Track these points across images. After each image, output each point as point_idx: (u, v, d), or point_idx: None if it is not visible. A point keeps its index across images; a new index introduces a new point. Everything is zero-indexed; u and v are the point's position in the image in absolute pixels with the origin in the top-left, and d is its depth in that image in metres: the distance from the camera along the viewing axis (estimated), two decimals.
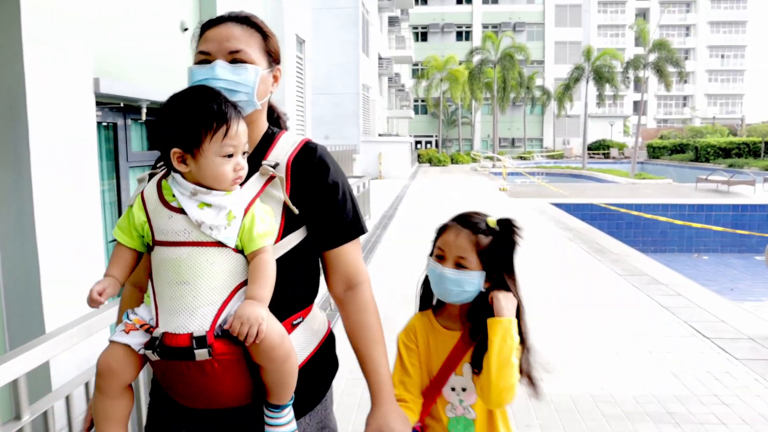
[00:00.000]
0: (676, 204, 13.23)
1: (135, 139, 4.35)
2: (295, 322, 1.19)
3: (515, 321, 1.35)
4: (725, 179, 16.80)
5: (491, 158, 31.90)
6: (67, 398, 1.68)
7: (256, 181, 1.13)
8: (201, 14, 5.49)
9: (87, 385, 1.78)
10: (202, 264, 1.04)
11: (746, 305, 5.64)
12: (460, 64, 38.37)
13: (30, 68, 2.79)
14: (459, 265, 1.37)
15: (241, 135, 1.08)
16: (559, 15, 48.29)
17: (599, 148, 43.56)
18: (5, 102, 2.79)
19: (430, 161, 33.05)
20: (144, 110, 4.09)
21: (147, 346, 1.03)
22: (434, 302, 1.49)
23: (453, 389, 1.42)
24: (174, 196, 1.08)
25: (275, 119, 1.31)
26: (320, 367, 1.24)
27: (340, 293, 1.25)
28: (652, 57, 28.30)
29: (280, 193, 1.14)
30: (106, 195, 3.96)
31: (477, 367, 1.36)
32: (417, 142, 42.59)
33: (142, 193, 1.12)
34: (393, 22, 32.98)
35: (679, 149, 35.18)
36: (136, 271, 1.18)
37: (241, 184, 1.11)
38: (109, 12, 3.89)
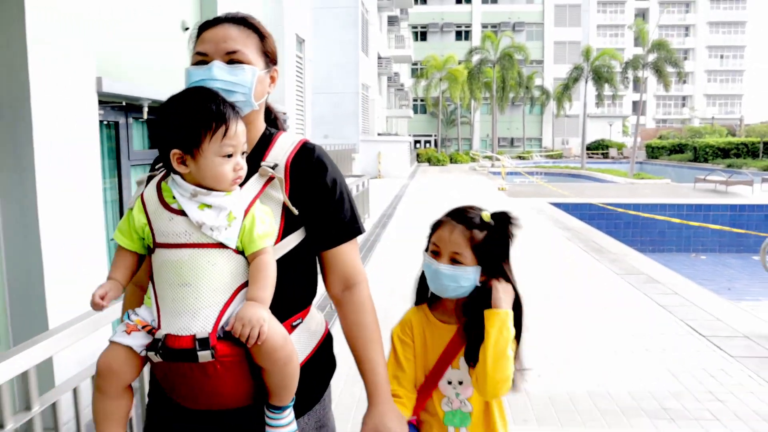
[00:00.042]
0: (674, 204, 13.28)
1: (136, 137, 4.38)
2: (294, 324, 1.20)
3: (512, 313, 1.35)
4: (723, 179, 16.86)
5: (490, 158, 31.94)
6: (75, 390, 1.71)
7: (256, 182, 1.14)
8: (202, 14, 5.53)
9: (93, 378, 1.81)
10: (204, 265, 1.04)
11: (743, 304, 5.68)
12: (459, 63, 38.41)
13: (33, 67, 2.82)
14: (454, 261, 1.37)
15: (240, 135, 1.08)
16: (559, 15, 48.33)
17: (598, 148, 43.61)
18: (9, 101, 2.82)
19: (429, 161, 33.08)
20: (146, 109, 4.12)
21: (149, 347, 1.04)
22: (429, 296, 1.49)
23: (449, 383, 1.42)
24: (174, 197, 1.08)
25: (272, 120, 1.31)
26: (319, 368, 1.26)
27: (337, 293, 1.26)
28: (651, 57, 28.35)
29: (279, 194, 1.15)
30: (107, 193, 3.99)
31: (472, 360, 1.36)
32: (416, 142, 42.61)
33: (141, 195, 1.12)
34: (392, 21, 33.00)
35: (677, 149, 35.24)
36: (138, 271, 1.19)
37: (241, 185, 1.11)
38: (111, 12, 3.92)
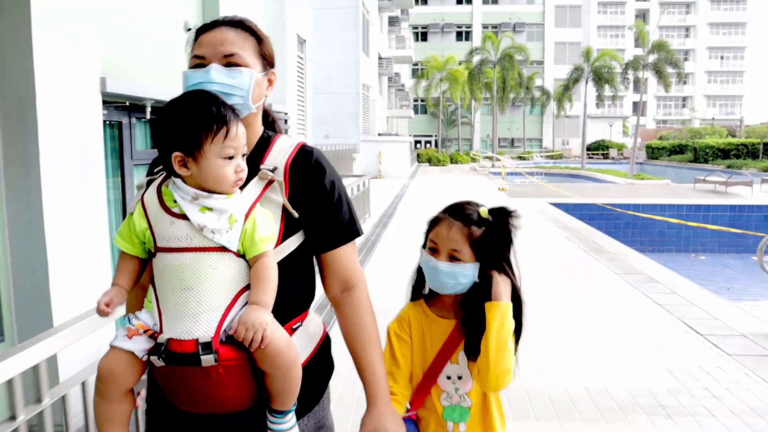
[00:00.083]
0: (674, 204, 13.31)
1: (139, 137, 4.43)
2: (294, 327, 1.20)
3: (511, 305, 1.35)
4: (723, 180, 16.89)
5: (490, 158, 31.97)
6: (83, 384, 1.75)
7: (256, 186, 1.14)
8: (204, 15, 5.56)
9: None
10: (205, 269, 1.05)
11: (742, 304, 5.71)
12: (459, 64, 38.44)
13: (39, 68, 2.86)
14: (453, 258, 1.36)
15: (240, 137, 1.09)
16: (559, 15, 48.36)
17: (598, 149, 43.64)
18: (15, 101, 2.86)
19: (429, 161, 33.11)
20: (149, 109, 4.16)
21: (152, 351, 1.04)
22: (427, 291, 1.48)
23: (448, 377, 1.42)
24: (175, 201, 1.08)
25: (270, 123, 1.31)
26: (317, 370, 1.26)
27: (336, 295, 1.27)
28: (651, 58, 28.37)
29: (279, 197, 1.15)
30: (111, 192, 4.03)
31: (472, 354, 1.36)
32: (416, 142, 42.64)
33: (142, 199, 1.12)
34: (393, 22, 33.04)
35: (678, 150, 35.26)
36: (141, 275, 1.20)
37: (241, 189, 1.12)
38: (115, 13, 3.96)
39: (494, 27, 47.73)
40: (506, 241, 1.40)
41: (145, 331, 1.05)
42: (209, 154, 1.05)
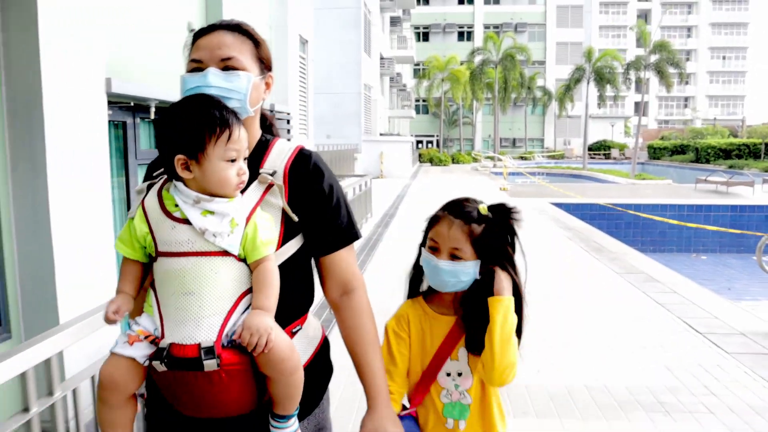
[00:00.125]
0: (675, 204, 13.33)
1: (144, 137, 4.47)
2: (294, 330, 1.20)
3: (513, 299, 1.35)
4: (724, 180, 16.89)
5: (492, 158, 31.99)
6: (93, 378, 1.78)
7: (256, 190, 1.14)
8: (207, 16, 5.61)
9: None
10: (207, 274, 1.05)
11: (742, 304, 5.73)
12: (461, 64, 38.46)
13: (45, 69, 2.90)
14: (454, 256, 1.36)
15: (243, 140, 1.09)
16: (561, 16, 48.35)
17: (600, 149, 43.63)
18: (22, 102, 2.90)
19: (431, 161, 33.15)
20: (153, 109, 4.20)
21: (154, 356, 1.04)
22: (422, 288, 1.48)
23: (448, 374, 1.41)
24: (176, 206, 1.08)
25: (267, 126, 1.31)
26: (317, 373, 1.27)
27: (335, 298, 1.27)
28: (652, 58, 28.38)
29: (279, 201, 1.15)
30: (115, 192, 4.07)
31: (474, 349, 1.37)
32: (418, 142, 42.68)
33: (142, 204, 1.12)
34: (395, 22, 33.07)
35: (679, 150, 35.24)
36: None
37: (241, 192, 1.12)
38: (120, 14, 4.00)
39: (496, 27, 47.75)
40: (506, 238, 1.40)
41: (146, 337, 1.05)
42: (212, 157, 1.06)
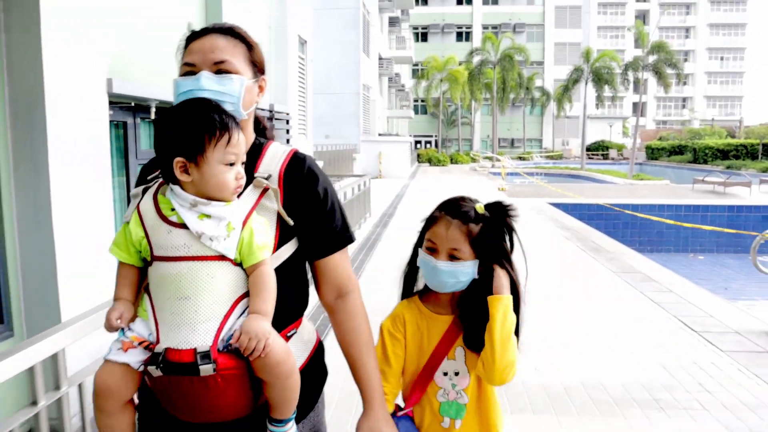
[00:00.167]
0: (673, 204, 13.39)
1: (144, 137, 4.50)
2: (289, 334, 1.21)
3: (512, 298, 1.35)
4: (721, 180, 16.96)
5: (490, 158, 32.05)
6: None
7: (251, 194, 1.14)
8: (207, 16, 5.63)
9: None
10: (203, 278, 1.04)
11: (739, 304, 5.77)
12: (460, 64, 38.54)
13: (48, 69, 2.92)
14: (452, 257, 1.35)
15: (241, 144, 1.10)
16: (559, 16, 48.45)
17: (598, 149, 43.72)
18: (25, 101, 2.93)
19: (429, 161, 33.19)
20: (153, 109, 4.23)
21: (149, 361, 1.03)
22: (416, 289, 1.48)
23: (445, 374, 1.41)
24: (173, 210, 1.08)
25: (261, 130, 1.31)
26: (312, 376, 1.27)
27: (330, 301, 1.28)
28: (650, 59, 28.46)
29: (274, 205, 1.16)
30: (116, 191, 4.10)
31: (474, 347, 1.36)
32: (417, 142, 42.73)
33: (138, 208, 1.11)
34: (393, 22, 33.12)
35: (677, 151, 35.32)
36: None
37: (238, 196, 1.12)
38: (121, 15, 4.03)
39: (494, 27, 47.81)
40: (503, 236, 1.40)
41: (140, 343, 1.05)
42: (212, 160, 1.06)
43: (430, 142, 47.97)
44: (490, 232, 1.37)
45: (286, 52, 7.96)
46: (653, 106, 60.26)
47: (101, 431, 1.11)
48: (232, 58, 1.17)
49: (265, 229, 1.12)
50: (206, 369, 1.00)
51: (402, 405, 1.46)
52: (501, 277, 1.34)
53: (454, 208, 1.39)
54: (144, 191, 1.14)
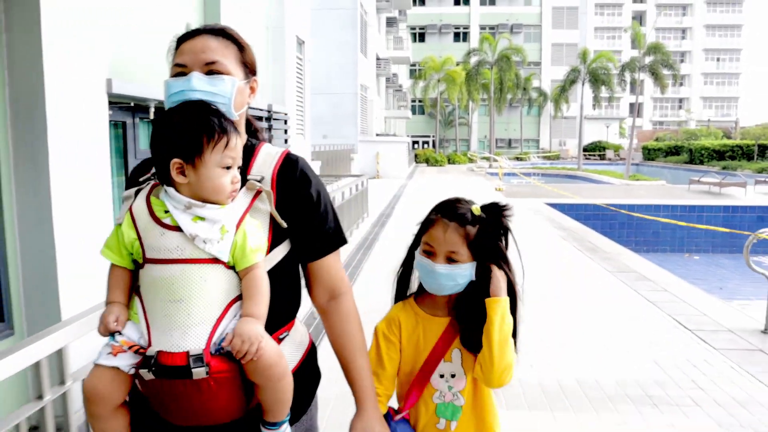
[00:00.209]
0: (668, 205, 13.46)
1: (143, 137, 4.53)
2: (281, 336, 1.20)
3: (509, 300, 1.35)
4: (717, 181, 17.06)
5: (488, 159, 32.14)
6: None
7: (244, 196, 1.13)
8: (205, 16, 5.66)
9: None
10: (196, 281, 1.04)
11: (734, 304, 5.83)
12: (457, 65, 38.64)
13: (48, 69, 2.95)
14: (450, 260, 1.34)
15: (238, 148, 1.10)
16: (556, 17, 48.57)
17: (595, 150, 43.85)
18: (25, 101, 2.96)
19: (427, 161, 33.25)
20: (152, 109, 4.26)
21: (141, 365, 1.02)
22: (409, 291, 1.47)
23: (441, 376, 1.40)
24: (166, 212, 1.07)
25: (252, 132, 1.31)
26: (305, 379, 1.26)
27: (323, 303, 1.28)
28: (647, 60, 28.58)
29: (267, 207, 1.15)
30: (116, 191, 4.13)
31: (471, 348, 1.36)
32: (414, 142, 42.77)
33: (130, 209, 1.10)
34: (391, 22, 33.17)
35: (673, 151, 35.47)
36: None
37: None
38: (120, 15, 4.06)
39: (491, 28, 47.92)
40: (500, 237, 1.40)
41: (130, 348, 1.04)
42: (209, 162, 1.06)
43: (427, 143, 48.04)
44: (486, 233, 1.37)
45: (284, 52, 7.99)
46: (650, 107, 60.48)
47: None
48: (223, 58, 1.16)
49: (258, 232, 1.11)
50: (199, 372, 1.00)
51: (396, 407, 1.46)
52: (498, 279, 1.34)
53: (450, 211, 1.38)
54: (136, 193, 1.13)
